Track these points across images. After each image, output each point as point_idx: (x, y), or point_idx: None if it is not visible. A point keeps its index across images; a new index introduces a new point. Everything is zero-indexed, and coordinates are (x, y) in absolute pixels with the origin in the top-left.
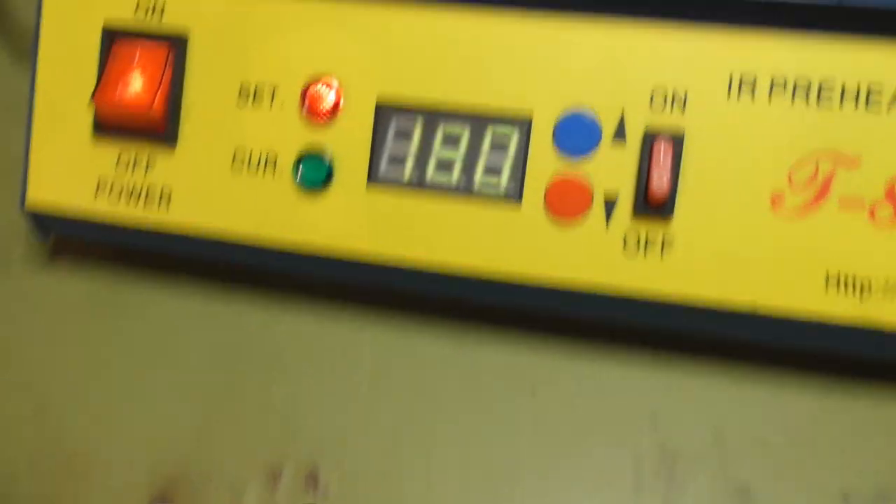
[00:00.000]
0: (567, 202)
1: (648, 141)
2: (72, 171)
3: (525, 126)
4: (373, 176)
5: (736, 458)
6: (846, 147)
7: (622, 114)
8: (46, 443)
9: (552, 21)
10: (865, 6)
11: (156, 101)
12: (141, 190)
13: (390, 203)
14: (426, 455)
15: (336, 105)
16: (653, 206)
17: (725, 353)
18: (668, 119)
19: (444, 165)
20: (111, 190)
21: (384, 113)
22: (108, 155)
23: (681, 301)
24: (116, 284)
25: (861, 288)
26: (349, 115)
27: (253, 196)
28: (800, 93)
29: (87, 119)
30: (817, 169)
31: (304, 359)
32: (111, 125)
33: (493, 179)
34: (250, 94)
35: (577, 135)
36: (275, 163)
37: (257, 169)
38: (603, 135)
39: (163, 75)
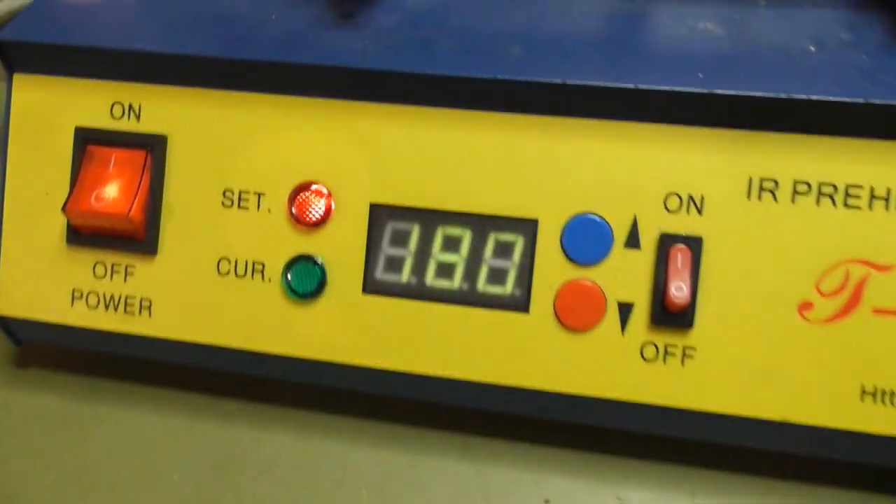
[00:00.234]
0: (579, 310)
1: (664, 246)
2: (45, 280)
3: (531, 231)
4: (368, 282)
5: None
6: (878, 252)
7: (634, 218)
8: None
9: (556, 124)
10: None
11: (134, 208)
12: (119, 300)
13: (387, 311)
14: None
15: (327, 210)
16: (671, 314)
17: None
18: (683, 223)
19: (445, 270)
20: (87, 300)
21: (379, 215)
22: (83, 264)
23: (704, 410)
24: (93, 394)
25: None
26: (341, 219)
27: (240, 306)
28: (825, 197)
29: (59, 225)
30: (848, 275)
31: (298, 474)
32: (86, 233)
33: (497, 286)
34: (235, 199)
35: (586, 240)
36: (262, 270)
37: (244, 277)
38: (615, 240)
39: (141, 180)
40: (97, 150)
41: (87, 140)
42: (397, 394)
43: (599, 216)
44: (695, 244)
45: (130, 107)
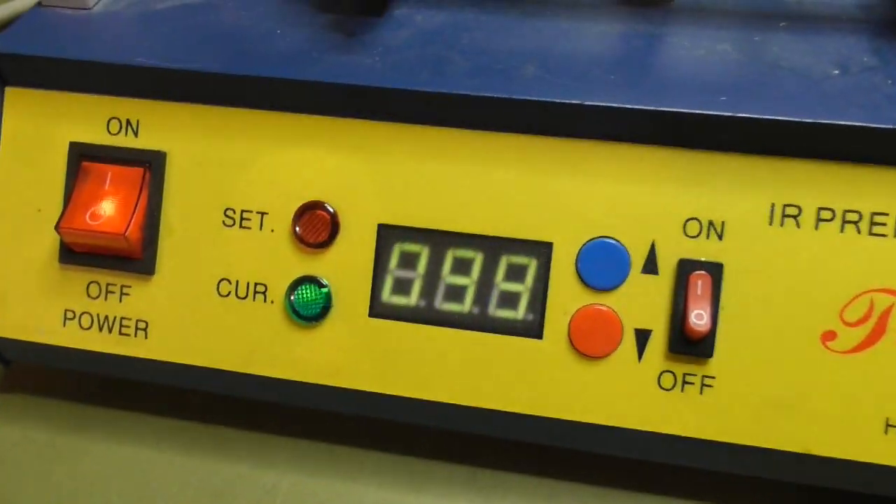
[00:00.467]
0: (594, 337)
1: (683, 272)
2: (36, 299)
3: (545, 254)
4: (375, 305)
5: None
6: None
7: (652, 243)
8: None
9: (572, 146)
10: None
11: (131, 227)
12: (114, 321)
13: (394, 335)
14: None
15: (333, 230)
16: (690, 342)
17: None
18: (703, 249)
19: (454, 294)
20: (80, 320)
21: (387, 236)
22: (76, 283)
23: (723, 441)
24: (83, 420)
25: None
26: (348, 240)
27: (241, 329)
28: (849, 224)
29: (52, 244)
30: (872, 304)
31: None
32: (80, 252)
33: (509, 310)
34: (236, 219)
35: (603, 264)
36: (264, 292)
37: (245, 299)
38: (632, 265)
39: (138, 198)
40: (93, 167)
41: (83, 156)
42: (403, 420)
43: (616, 240)
44: (715, 271)
45: (128, 122)
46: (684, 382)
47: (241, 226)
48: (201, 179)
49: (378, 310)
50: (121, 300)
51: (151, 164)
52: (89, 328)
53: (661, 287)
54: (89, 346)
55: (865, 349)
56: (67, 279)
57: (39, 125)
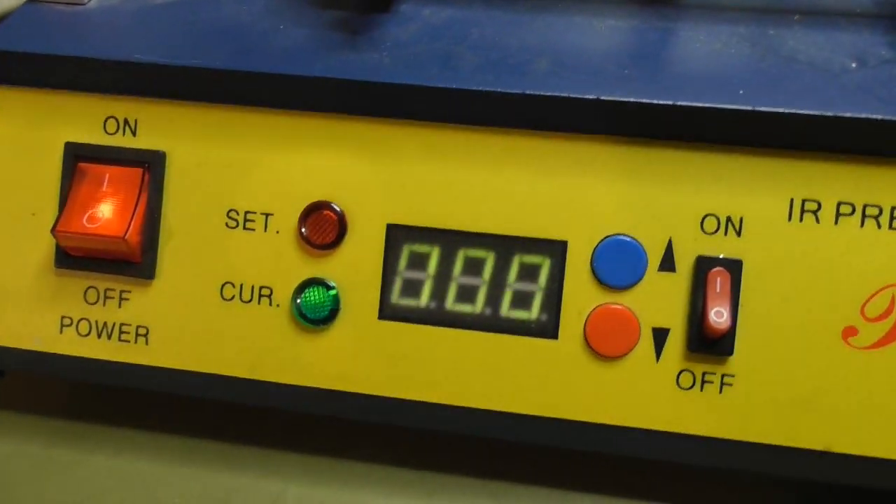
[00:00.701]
0: (611, 336)
1: (701, 270)
2: (31, 306)
3: (559, 253)
4: (384, 307)
5: None
6: None
7: (669, 240)
8: None
9: (586, 141)
10: None
11: (130, 230)
12: (113, 327)
13: (404, 338)
14: None
15: (341, 231)
16: (710, 341)
17: None
18: (722, 246)
19: (466, 294)
20: (78, 327)
21: (396, 236)
22: (73, 288)
23: (744, 440)
24: (81, 428)
25: None
26: (356, 240)
27: (245, 333)
28: (869, 219)
29: (47, 248)
30: (894, 299)
31: None
32: (77, 256)
33: (522, 311)
34: (240, 220)
35: (619, 263)
36: (270, 295)
37: (250, 303)
38: (649, 263)
39: (137, 200)
40: (89, 168)
41: (79, 156)
42: (415, 426)
43: (632, 238)
44: (734, 267)
45: (126, 121)
46: (703, 381)
47: (244, 227)
48: (203, 180)
49: (388, 312)
50: (120, 305)
51: (150, 165)
52: (87, 335)
53: (678, 285)
54: (87, 353)
55: (887, 344)
56: (64, 285)
57: (33, 125)
